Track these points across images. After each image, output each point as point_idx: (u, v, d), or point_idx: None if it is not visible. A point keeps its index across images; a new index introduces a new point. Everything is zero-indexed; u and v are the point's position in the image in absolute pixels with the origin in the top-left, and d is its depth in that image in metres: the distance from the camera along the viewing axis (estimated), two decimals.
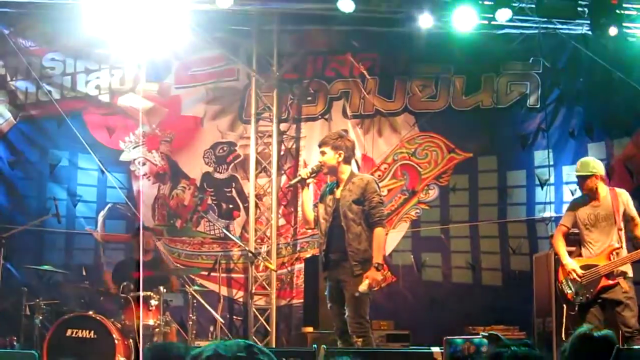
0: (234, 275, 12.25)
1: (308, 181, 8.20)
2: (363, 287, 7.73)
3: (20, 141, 12.35)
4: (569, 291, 8.70)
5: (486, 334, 4.55)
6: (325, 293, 8.29)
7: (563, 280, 8.82)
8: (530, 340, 9.63)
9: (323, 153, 8.14)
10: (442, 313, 11.51)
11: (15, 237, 11.03)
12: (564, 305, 8.87)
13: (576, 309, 8.64)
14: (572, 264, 8.72)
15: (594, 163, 8.82)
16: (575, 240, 9.16)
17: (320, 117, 12.46)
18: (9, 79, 12.43)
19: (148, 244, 10.90)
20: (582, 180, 8.84)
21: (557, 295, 9.07)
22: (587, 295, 8.57)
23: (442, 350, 4.69)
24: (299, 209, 12.12)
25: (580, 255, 8.82)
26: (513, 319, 10.61)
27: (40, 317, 9.80)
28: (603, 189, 8.76)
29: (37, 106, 12.45)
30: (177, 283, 10.81)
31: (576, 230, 8.96)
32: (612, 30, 10.83)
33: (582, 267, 8.64)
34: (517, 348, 3.07)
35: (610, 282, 8.47)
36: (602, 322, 8.32)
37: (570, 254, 8.91)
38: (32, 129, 12.44)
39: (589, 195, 8.77)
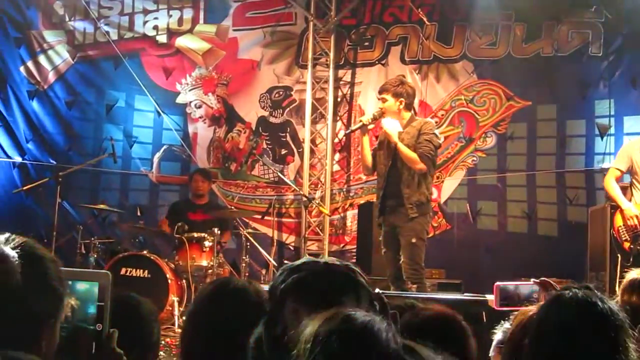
0: (286, 219, 12.27)
1: (369, 127, 8.24)
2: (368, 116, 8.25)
3: (78, 81, 12.48)
4: (626, 240, 8.55)
5: (537, 280, 4.49)
6: (380, 238, 8.31)
7: (619, 228, 8.65)
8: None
9: (384, 100, 8.12)
10: (495, 262, 11.41)
11: (72, 176, 11.20)
12: (619, 256, 8.70)
13: (631, 259, 8.49)
14: (633, 210, 8.55)
15: None
16: None
17: (377, 62, 12.34)
18: (67, 19, 12.53)
19: (199, 188, 10.91)
20: None
21: (611, 245, 8.88)
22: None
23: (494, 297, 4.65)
24: (352, 155, 12.11)
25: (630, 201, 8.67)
26: (567, 271, 10.43)
27: (95, 256, 9.95)
28: None
29: (94, 46, 12.55)
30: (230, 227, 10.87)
31: None
32: None
33: None
34: (578, 290, 2.99)
35: None
36: None
37: None
38: (89, 70, 12.56)
39: None
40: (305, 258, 2.44)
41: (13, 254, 2.37)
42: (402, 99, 8.04)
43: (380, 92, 8.25)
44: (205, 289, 3.35)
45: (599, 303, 2.92)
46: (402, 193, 7.93)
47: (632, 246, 8.48)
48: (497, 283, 4.66)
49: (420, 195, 7.92)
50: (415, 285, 7.84)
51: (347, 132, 11.83)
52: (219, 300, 3.15)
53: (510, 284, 4.71)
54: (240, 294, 3.09)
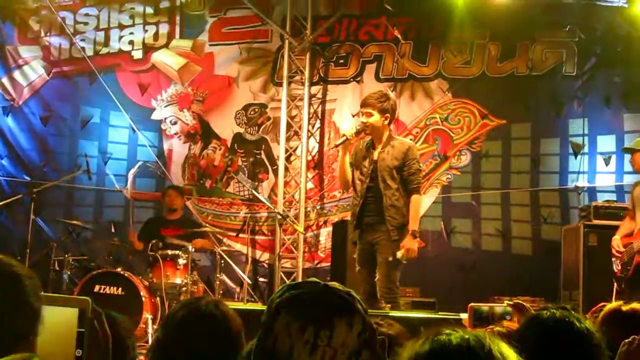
0: (260, 237, 12.25)
1: (352, 142, 8.13)
2: (400, 254, 7.77)
3: (53, 97, 12.45)
4: (617, 268, 8.70)
5: (511, 303, 4.52)
6: (355, 256, 8.23)
7: (613, 259, 8.83)
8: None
9: (369, 114, 7.96)
10: (469, 280, 11.45)
11: (46, 192, 11.20)
12: (614, 282, 8.84)
13: (622, 285, 8.62)
14: (616, 240, 8.71)
15: None
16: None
17: (352, 80, 12.37)
18: (42, 34, 12.49)
19: (174, 203, 10.90)
20: (632, 156, 8.96)
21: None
22: (626, 273, 8.53)
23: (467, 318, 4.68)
24: (326, 172, 12.12)
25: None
26: (541, 289, 10.52)
27: (69, 273, 9.92)
28: None
29: (70, 62, 12.54)
30: (207, 243, 10.79)
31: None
32: None
33: (624, 245, 8.62)
34: (555, 310, 3.09)
35: None
36: None
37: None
38: (65, 85, 12.54)
39: None
40: (309, 279, 2.46)
41: None
42: (387, 115, 7.98)
43: (364, 106, 8.08)
44: (174, 314, 3.34)
45: (576, 323, 2.99)
46: (385, 213, 7.87)
47: (621, 273, 8.63)
48: (471, 304, 4.68)
49: (403, 218, 7.88)
50: (389, 305, 7.81)
51: (332, 147, 11.82)
52: (188, 327, 3.16)
53: (484, 306, 4.74)
54: (209, 319, 3.09)
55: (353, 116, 11.98)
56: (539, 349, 2.90)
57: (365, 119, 8.00)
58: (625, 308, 4.15)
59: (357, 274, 8.25)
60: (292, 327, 2.25)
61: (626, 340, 3.18)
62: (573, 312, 3.09)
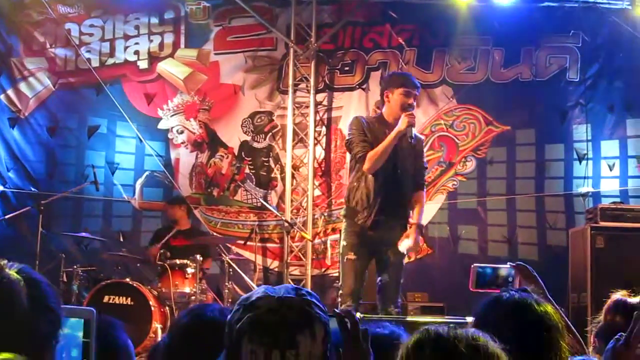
0: (269, 244, 12.27)
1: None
2: (403, 247, 7.26)
3: (59, 109, 12.42)
4: None
5: (514, 264, 4.55)
6: (345, 242, 7.49)
7: None
8: (562, 310, 9.73)
9: (415, 97, 7.43)
10: None
11: (54, 204, 11.20)
12: None
13: None
14: None
15: None
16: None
17: (357, 87, 12.40)
18: (48, 46, 12.49)
19: (175, 215, 10.91)
20: None
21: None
22: None
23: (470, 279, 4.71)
24: (333, 180, 12.16)
25: None
26: (548, 293, 10.56)
27: (78, 284, 9.92)
28: None
29: (76, 73, 12.51)
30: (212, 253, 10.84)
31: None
32: None
33: None
34: (515, 292, 3.24)
35: None
36: None
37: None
38: (71, 97, 12.50)
39: None
40: (262, 291, 2.47)
41: (19, 277, 2.43)
42: None
43: (415, 88, 7.42)
44: (179, 320, 3.38)
45: (535, 305, 3.12)
46: (400, 207, 7.45)
47: None
48: (475, 264, 4.72)
49: (410, 212, 7.49)
50: (397, 309, 7.50)
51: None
52: (192, 333, 3.20)
53: (488, 266, 4.75)
54: (213, 325, 3.12)
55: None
56: (499, 330, 2.99)
57: (408, 104, 7.33)
58: (630, 300, 4.22)
59: (346, 264, 7.45)
60: (258, 355, 2.31)
61: (616, 337, 3.26)
62: (533, 295, 3.22)
